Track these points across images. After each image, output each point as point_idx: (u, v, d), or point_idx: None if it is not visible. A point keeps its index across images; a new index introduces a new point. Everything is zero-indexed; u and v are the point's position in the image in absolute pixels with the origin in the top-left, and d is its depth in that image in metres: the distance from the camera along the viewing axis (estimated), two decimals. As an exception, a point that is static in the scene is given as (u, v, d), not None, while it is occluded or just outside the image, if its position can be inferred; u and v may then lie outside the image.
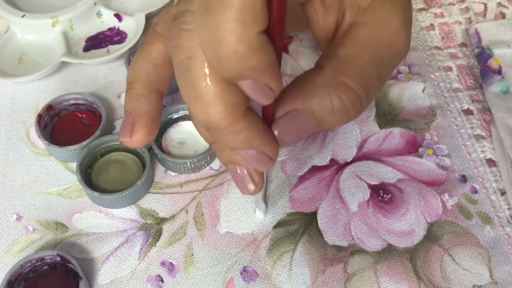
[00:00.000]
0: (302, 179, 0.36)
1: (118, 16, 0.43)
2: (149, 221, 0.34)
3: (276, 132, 0.26)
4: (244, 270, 0.33)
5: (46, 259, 0.32)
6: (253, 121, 0.25)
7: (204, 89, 0.23)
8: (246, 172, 0.28)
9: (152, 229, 0.34)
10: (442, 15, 0.45)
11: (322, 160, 0.37)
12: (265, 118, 0.26)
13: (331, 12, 0.27)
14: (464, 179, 0.36)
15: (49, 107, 0.37)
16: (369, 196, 0.35)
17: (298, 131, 0.26)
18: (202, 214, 0.35)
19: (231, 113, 0.24)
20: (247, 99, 0.24)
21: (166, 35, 0.24)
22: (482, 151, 0.37)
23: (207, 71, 0.23)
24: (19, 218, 0.35)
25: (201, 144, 0.37)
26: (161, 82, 0.30)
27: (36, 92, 0.40)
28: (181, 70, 0.24)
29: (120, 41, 0.43)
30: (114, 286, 0.32)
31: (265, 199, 0.34)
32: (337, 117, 0.26)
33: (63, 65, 0.41)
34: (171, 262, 0.33)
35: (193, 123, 0.27)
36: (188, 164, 0.35)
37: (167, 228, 0.34)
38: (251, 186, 0.28)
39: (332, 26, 0.28)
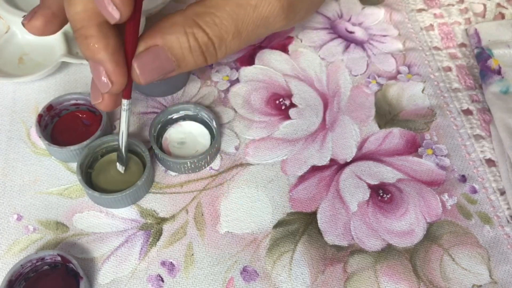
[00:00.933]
0: (302, 179, 0.36)
1: (118, 17, 0.43)
2: (149, 221, 0.34)
3: (135, 66, 0.28)
4: (244, 270, 0.33)
5: (47, 259, 0.32)
6: (105, 35, 0.27)
7: None
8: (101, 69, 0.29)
9: (152, 229, 0.34)
10: (441, 16, 0.45)
11: (322, 160, 0.37)
12: (126, 53, 0.28)
13: None
14: (463, 179, 0.36)
15: (49, 107, 0.37)
16: (368, 196, 0.35)
17: (159, 68, 0.28)
18: (202, 214, 0.35)
19: (86, 17, 0.26)
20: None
21: None
22: (481, 151, 0.37)
23: None
24: (19, 218, 0.35)
25: (201, 144, 0.37)
26: None
27: (37, 92, 0.40)
28: None
29: None
30: (115, 286, 0.32)
31: (125, 135, 0.34)
32: (194, 56, 0.28)
33: (63, 65, 0.41)
34: (171, 262, 0.33)
35: None
36: (188, 164, 0.35)
37: (167, 228, 0.34)
38: (99, 99, 0.30)
39: None
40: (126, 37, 0.28)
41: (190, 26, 0.28)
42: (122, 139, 0.33)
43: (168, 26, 0.28)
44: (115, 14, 0.25)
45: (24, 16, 0.32)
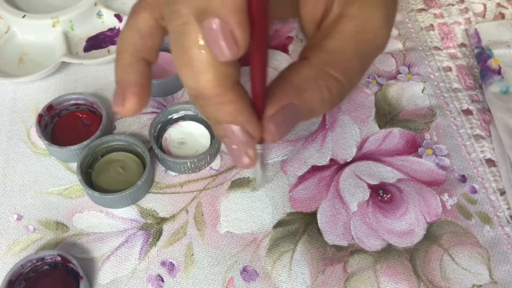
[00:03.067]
0: (302, 179, 0.36)
1: (119, 17, 0.43)
2: (149, 221, 0.34)
3: (272, 127, 0.27)
4: (244, 270, 0.33)
5: (47, 259, 0.32)
6: (241, 96, 0.25)
7: (196, 56, 0.23)
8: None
9: (152, 229, 0.34)
10: (441, 16, 0.45)
11: (322, 160, 0.37)
12: (254, 103, 0.26)
13: None
14: (463, 179, 0.36)
15: (49, 107, 0.37)
16: (368, 196, 0.35)
17: (292, 123, 0.27)
18: (202, 214, 0.35)
19: (220, 83, 0.24)
20: (238, 71, 0.25)
21: (163, 1, 0.25)
22: (481, 151, 0.37)
23: (201, 38, 0.23)
24: (19, 218, 0.35)
25: (201, 144, 0.37)
26: (148, 52, 0.30)
27: (37, 92, 0.40)
28: (176, 36, 0.24)
29: (116, 45, 0.43)
30: (115, 286, 0.32)
31: (262, 173, 0.33)
32: (326, 106, 0.27)
33: (63, 65, 0.41)
34: (171, 262, 0.33)
35: (187, 92, 0.27)
36: (188, 164, 0.35)
37: (167, 228, 0.34)
38: (245, 160, 0.29)
39: (320, 13, 0.29)
40: (253, 85, 0.26)
41: (323, 79, 0.27)
42: (258, 178, 0.33)
43: (300, 81, 0.27)
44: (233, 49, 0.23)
45: (113, 103, 0.30)
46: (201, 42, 0.23)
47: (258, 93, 0.26)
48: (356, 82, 0.28)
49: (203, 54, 0.23)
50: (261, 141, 0.29)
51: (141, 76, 0.30)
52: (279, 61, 0.42)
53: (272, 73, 0.42)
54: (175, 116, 0.38)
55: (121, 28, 0.43)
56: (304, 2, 0.29)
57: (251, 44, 0.24)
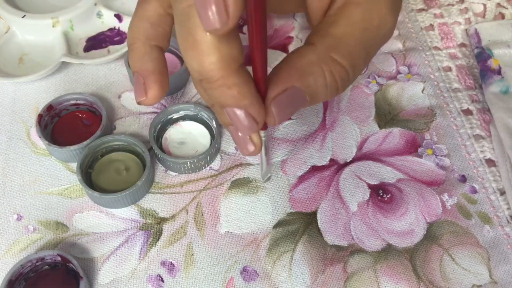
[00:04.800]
0: (302, 179, 0.36)
1: (119, 17, 0.43)
2: (149, 221, 0.34)
3: (274, 109, 0.26)
4: (244, 270, 0.33)
5: (47, 259, 0.32)
6: (245, 80, 0.25)
7: (201, 38, 0.23)
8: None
9: (152, 229, 0.34)
10: (441, 16, 0.45)
11: (322, 160, 0.37)
12: (257, 88, 0.26)
13: None
14: (463, 179, 0.36)
15: (49, 107, 0.37)
16: (368, 196, 0.35)
17: (294, 107, 0.27)
18: (202, 214, 0.35)
19: (225, 65, 0.24)
20: (242, 55, 0.25)
21: None
22: (481, 151, 0.37)
23: None
24: (19, 218, 0.35)
25: (201, 144, 0.37)
26: (160, 39, 0.30)
27: (37, 92, 0.40)
28: (181, 18, 0.24)
29: (120, 42, 0.43)
30: (115, 286, 0.32)
31: (268, 162, 0.33)
32: (329, 92, 0.27)
33: (63, 65, 0.41)
34: (171, 262, 0.33)
35: (191, 76, 0.27)
36: (188, 164, 0.35)
37: (167, 228, 0.34)
38: (251, 147, 0.28)
39: (327, 1, 0.29)
40: (255, 69, 0.26)
41: (327, 63, 0.27)
42: (264, 165, 0.33)
43: (304, 65, 0.27)
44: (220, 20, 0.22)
45: (135, 94, 0.30)
46: None
47: (259, 77, 0.26)
48: (360, 69, 0.28)
49: (208, 36, 0.23)
50: (264, 127, 0.29)
51: (158, 63, 0.30)
52: (279, 61, 0.42)
53: (272, 73, 0.42)
54: (175, 116, 0.38)
55: (121, 28, 0.43)
56: None
57: (250, 26, 0.24)
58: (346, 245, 0.34)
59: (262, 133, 0.29)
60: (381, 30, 0.28)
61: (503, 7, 0.45)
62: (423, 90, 0.41)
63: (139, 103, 0.30)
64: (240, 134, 0.28)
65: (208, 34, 0.23)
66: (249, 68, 0.26)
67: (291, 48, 0.43)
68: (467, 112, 0.40)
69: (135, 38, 0.30)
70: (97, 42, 0.43)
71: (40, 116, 0.37)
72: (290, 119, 0.39)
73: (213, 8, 0.21)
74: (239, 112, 0.25)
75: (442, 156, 0.37)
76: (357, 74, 0.28)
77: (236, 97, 0.25)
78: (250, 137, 0.29)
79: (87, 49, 0.42)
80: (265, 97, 0.26)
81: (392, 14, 0.28)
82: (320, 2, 0.29)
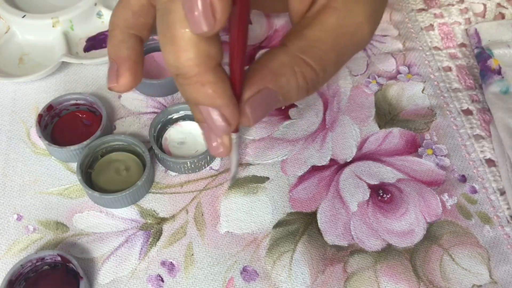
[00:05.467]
0: (302, 179, 0.36)
1: (119, 17, 0.43)
2: (149, 221, 0.34)
3: (248, 110, 0.27)
4: (244, 270, 0.33)
5: (47, 259, 0.32)
6: (221, 79, 0.25)
7: (180, 33, 0.23)
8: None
9: (152, 229, 0.34)
10: (441, 16, 0.45)
11: (321, 160, 0.37)
12: (233, 89, 0.26)
13: None
14: (463, 179, 0.36)
15: (49, 107, 0.37)
16: (368, 196, 0.35)
17: (266, 108, 0.27)
18: (202, 214, 0.35)
19: (201, 62, 0.24)
20: (221, 54, 0.25)
21: None
22: (481, 151, 0.37)
23: None
24: (19, 218, 0.35)
25: (201, 144, 0.37)
26: (139, 28, 0.30)
27: (37, 92, 0.40)
28: (161, 12, 0.24)
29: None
30: (115, 286, 0.32)
31: (236, 166, 0.33)
32: (300, 93, 0.28)
33: (63, 65, 0.41)
34: (171, 262, 0.33)
35: (168, 70, 0.27)
36: (188, 164, 0.35)
37: (167, 228, 0.34)
38: (220, 148, 0.28)
39: (307, 4, 0.29)
40: (232, 70, 0.26)
41: (298, 65, 0.27)
42: (233, 168, 0.33)
43: (276, 66, 0.27)
44: (208, 23, 0.22)
45: (108, 80, 0.30)
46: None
47: (236, 78, 0.26)
48: (331, 73, 0.29)
49: (187, 32, 0.23)
50: (236, 129, 0.29)
51: (134, 51, 0.30)
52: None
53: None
54: (175, 116, 0.38)
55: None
56: None
57: (232, 26, 0.24)
58: (346, 245, 0.34)
59: (233, 135, 0.29)
60: (355, 38, 0.28)
61: (503, 7, 0.45)
62: (423, 90, 0.41)
63: (109, 89, 0.30)
64: (209, 132, 0.28)
65: (187, 30, 0.23)
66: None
67: (291, 48, 0.43)
68: (467, 112, 0.40)
69: (115, 24, 0.30)
70: (97, 42, 0.43)
71: (40, 116, 0.37)
72: (288, 119, 0.39)
73: (201, 12, 0.21)
74: (212, 111, 0.26)
75: (442, 156, 0.37)
76: (328, 77, 0.29)
77: (210, 96, 0.25)
78: (220, 138, 0.28)
79: (87, 49, 0.42)
80: (240, 98, 0.27)
81: (369, 23, 0.28)
82: (301, 4, 0.29)
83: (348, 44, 0.28)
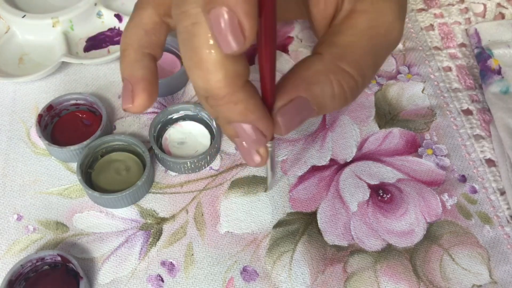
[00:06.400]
0: (302, 179, 0.36)
1: (119, 17, 0.43)
2: (149, 221, 0.34)
3: (280, 120, 0.26)
4: (244, 270, 0.33)
5: (47, 259, 0.32)
6: (251, 95, 0.25)
7: (206, 56, 0.23)
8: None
9: (152, 229, 0.34)
10: (441, 16, 0.45)
11: (322, 160, 0.37)
12: (264, 100, 0.26)
13: None
14: (463, 179, 0.36)
15: (49, 107, 0.37)
16: (368, 196, 0.35)
17: (301, 117, 0.27)
18: (202, 214, 0.35)
19: (231, 82, 0.24)
20: (248, 70, 0.24)
21: (173, 1, 0.24)
22: (481, 151, 0.37)
23: (211, 38, 0.22)
24: (19, 218, 0.35)
25: (201, 144, 0.37)
26: (153, 47, 0.30)
27: (37, 92, 0.40)
28: (185, 36, 0.24)
29: (120, 42, 0.43)
30: (115, 286, 0.32)
31: (273, 172, 0.33)
32: (337, 102, 0.27)
33: (63, 65, 0.41)
34: (171, 262, 0.33)
35: (196, 93, 0.27)
36: (188, 164, 0.35)
37: (167, 228, 0.34)
38: (257, 159, 0.28)
39: (331, 11, 0.28)
40: (263, 81, 0.25)
41: (334, 73, 0.26)
42: (270, 173, 0.33)
43: (311, 75, 0.26)
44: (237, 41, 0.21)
45: (123, 100, 0.30)
46: (211, 42, 0.22)
47: (267, 89, 0.26)
48: (369, 78, 0.28)
49: (212, 54, 0.23)
50: (272, 138, 0.28)
51: (149, 71, 0.30)
52: (279, 61, 0.42)
53: (272, 73, 0.42)
54: (175, 116, 0.38)
55: (121, 28, 0.43)
56: (315, 1, 0.29)
57: (259, 38, 0.23)
58: (346, 245, 0.34)
59: (268, 143, 0.29)
60: (388, 37, 0.28)
61: (503, 7, 0.45)
62: (423, 90, 0.41)
63: (125, 110, 0.30)
64: (245, 145, 0.28)
65: (213, 51, 0.23)
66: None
67: (291, 48, 0.43)
68: (467, 112, 0.40)
69: (128, 44, 0.30)
70: (97, 42, 0.43)
71: (40, 116, 0.37)
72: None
73: (230, 31, 0.21)
74: (247, 127, 0.25)
75: (442, 156, 0.37)
76: (367, 83, 0.28)
77: (243, 113, 0.25)
78: (256, 150, 0.28)
79: (87, 49, 0.42)
80: (272, 108, 0.26)
81: (399, 20, 0.28)
82: (324, 12, 0.28)
83: (383, 45, 0.28)
